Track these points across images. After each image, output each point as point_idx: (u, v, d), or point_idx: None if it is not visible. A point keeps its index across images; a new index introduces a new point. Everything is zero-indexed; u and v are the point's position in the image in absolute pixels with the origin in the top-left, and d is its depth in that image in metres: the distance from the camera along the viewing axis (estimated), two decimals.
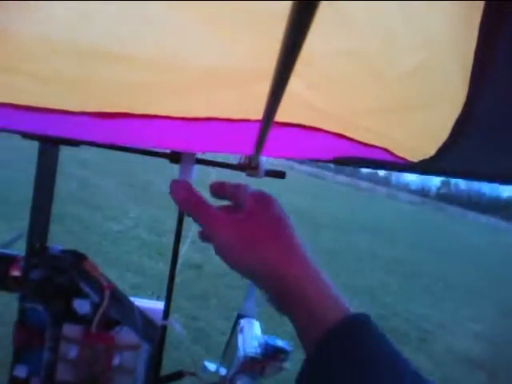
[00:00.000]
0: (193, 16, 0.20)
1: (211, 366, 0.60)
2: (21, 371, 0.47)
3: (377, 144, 0.37)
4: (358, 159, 0.42)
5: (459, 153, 0.34)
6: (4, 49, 0.21)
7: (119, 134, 0.35)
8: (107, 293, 0.46)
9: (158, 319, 0.57)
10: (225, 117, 0.33)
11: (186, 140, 0.39)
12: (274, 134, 0.29)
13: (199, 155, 0.47)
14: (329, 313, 0.34)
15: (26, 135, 0.44)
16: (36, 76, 0.24)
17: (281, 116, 0.32)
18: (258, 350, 0.49)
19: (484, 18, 0.19)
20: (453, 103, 0.25)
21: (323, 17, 0.11)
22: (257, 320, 0.56)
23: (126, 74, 0.25)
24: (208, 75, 0.26)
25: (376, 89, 0.25)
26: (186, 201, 0.38)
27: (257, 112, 0.26)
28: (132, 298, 0.57)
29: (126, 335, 0.47)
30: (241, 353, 0.50)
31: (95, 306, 0.46)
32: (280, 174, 0.47)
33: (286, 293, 0.36)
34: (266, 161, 0.46)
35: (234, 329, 0.58)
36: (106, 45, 0.22)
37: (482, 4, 0.18)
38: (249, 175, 0.45)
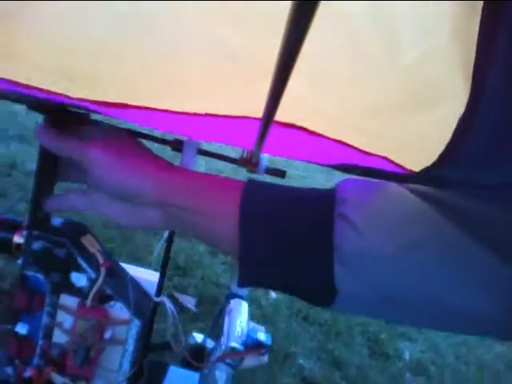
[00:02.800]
0: (193, 14, 0.20)
1: (198, 337, 0.64)
2: (22, 328, 0.51)
3: (376, 153, 0.36)
4: (359, 168, 0.42)
5: (463, 158, 0.32)
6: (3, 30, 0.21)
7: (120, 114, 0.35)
8: (103, 270, 0.48)
9: (153, 292, 0.60)
10: (225, 114, 0.33)
11: (186, 129, 0.39)
12: (275, 132, 0.29)
13: (202, 146, 0.47)
14: (224, 200, 0.34)
15: (32, 104, 0.44)
16: (32, 61, 0.24)
17: (283, 116, 0.32)
18: (240, 341, 0.52)
19: (485, 5, 0.18)
20: (456, 99, 0.24)
21: (323, 13, 0.11)
22: (246, 301, 0.59)
23: (124, 67, 0.25)
24: (207, 74, 0.26)
25: (376, 84, 0.25)
26: (54, 141, 0.39)
27: (257, 111, 0.26)
28: (129, 267, 0.59)
29: (119, 310, 0.50)
30: (223, 341, 0.53)
31: (91, 281, 0.48)
32: (280, 173, 0.47)
33: (180, 220, 0.36)
34: (268, 159, 0.46)
35: (223, 308, 0.61)
36: (105, 38, 0.21)
37: None
38: (249, 171, 0.46)
